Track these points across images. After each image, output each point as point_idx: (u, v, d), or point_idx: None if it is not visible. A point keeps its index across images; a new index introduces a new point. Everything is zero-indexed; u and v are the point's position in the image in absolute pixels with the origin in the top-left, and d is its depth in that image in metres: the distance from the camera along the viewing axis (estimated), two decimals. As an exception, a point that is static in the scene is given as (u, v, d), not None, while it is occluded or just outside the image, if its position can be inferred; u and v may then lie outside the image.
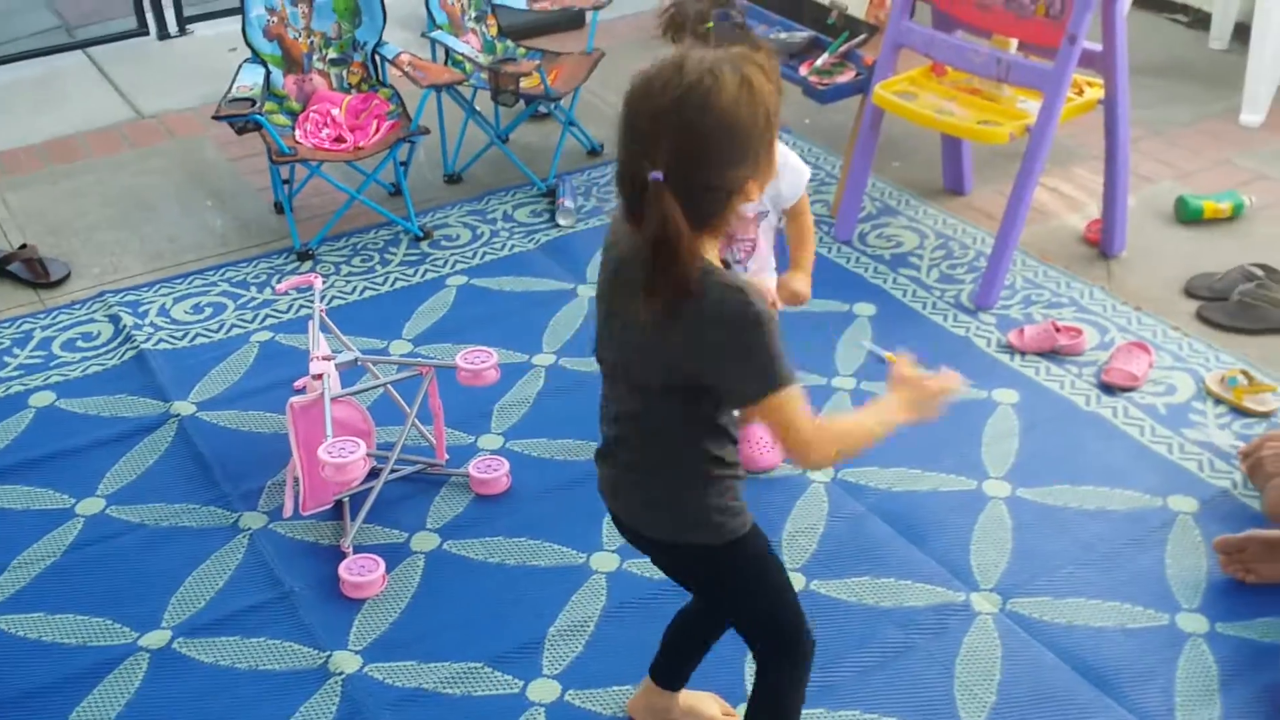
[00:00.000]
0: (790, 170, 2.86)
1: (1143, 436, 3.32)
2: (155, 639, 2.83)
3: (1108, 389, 3.47)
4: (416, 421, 3.23)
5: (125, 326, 3.88)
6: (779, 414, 1.89)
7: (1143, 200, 4.36)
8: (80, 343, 3.84)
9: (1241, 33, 4.88)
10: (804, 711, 2.32)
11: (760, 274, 2.99)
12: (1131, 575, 2.91)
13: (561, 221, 4.39)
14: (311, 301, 3.30)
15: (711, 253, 1.89)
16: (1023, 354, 3.62)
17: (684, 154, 1.77)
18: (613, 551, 3.01)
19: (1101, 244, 4.07)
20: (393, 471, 3.18)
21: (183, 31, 6.14)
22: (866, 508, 3.12)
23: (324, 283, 4.01)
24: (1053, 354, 3.61)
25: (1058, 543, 3.00)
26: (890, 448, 3.28)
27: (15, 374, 3.70)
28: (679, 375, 1.92)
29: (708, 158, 1.78)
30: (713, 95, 1.76)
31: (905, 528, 3.06)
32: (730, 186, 1.82)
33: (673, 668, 2.51)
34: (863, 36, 4.26)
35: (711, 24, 2.79)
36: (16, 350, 3.81)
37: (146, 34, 6.11)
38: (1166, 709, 2.60)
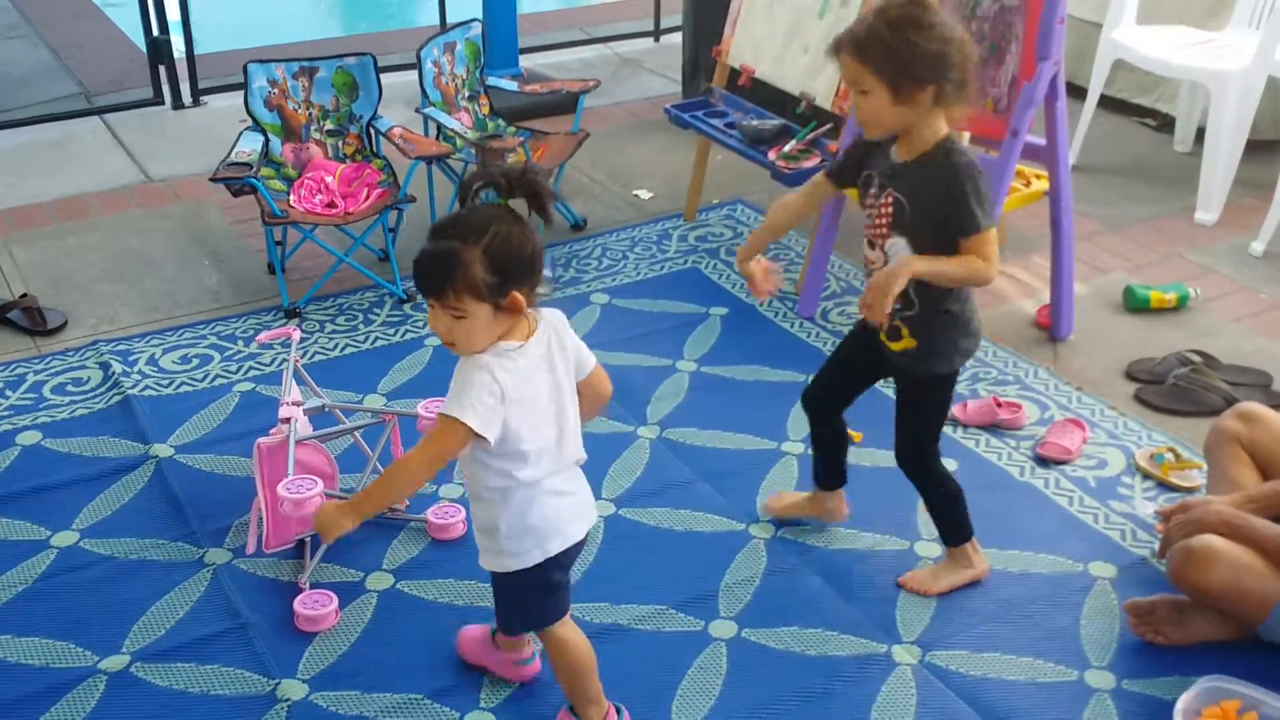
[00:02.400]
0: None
1: (1071, 506, 3.46)
2: (114, 663, 2.97)
3: (1042, 461, 3.63)
4: (379, 466, 3.40)
5: (114, 373, 4.07)
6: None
7: (1095, 289, 4.54)
8: (70, 387, 4.03)
9: (1204, 136, 5.08)
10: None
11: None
12: (1047, 633, 3.04)
13: (540, 290, 4.55)
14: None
15: None
16: (965, 426, 3.78)
17: None
18: (556, 596, 3.16)
19: (1050, 328, 4.24)
20: (352, 513, 3.33)
21: (196, 102, 6.42)
22: (803, 563, 3.26)
23: (303, 336, 4.20)
24: (994, 428, 3.77)
25: (980, 601, 3.14)
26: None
27: (6, 414, 3.88)
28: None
29: None
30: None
31: (837, 583, 3.20)
32: None
33: (832, 469, 3.28)
34: (828, 126, 4.48)
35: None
36: (9, 392, 4.00)
37: (162, 104, 6.40)
38: (1069, 759, 2.73)
